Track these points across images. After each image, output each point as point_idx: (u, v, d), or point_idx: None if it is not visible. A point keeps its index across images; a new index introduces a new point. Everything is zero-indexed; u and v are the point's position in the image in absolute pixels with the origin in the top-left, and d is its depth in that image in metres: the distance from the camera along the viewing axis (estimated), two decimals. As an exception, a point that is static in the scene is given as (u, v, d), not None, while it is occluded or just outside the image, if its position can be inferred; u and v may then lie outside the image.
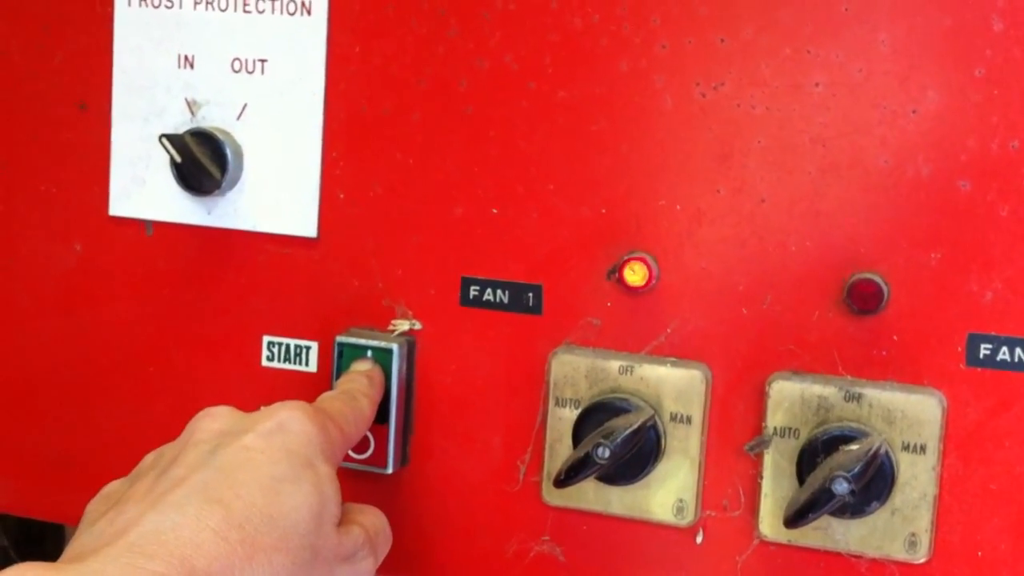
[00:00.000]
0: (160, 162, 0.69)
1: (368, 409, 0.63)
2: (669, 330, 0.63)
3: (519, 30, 0.63)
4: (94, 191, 0.72)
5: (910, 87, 0.58)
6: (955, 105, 0.58)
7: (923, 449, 0.59)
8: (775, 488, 0.61)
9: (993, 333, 0.58)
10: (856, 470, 0.56)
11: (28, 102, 0.72)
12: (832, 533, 0.60)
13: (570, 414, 0.64)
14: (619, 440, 0.59)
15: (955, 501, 0.60)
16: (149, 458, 0.57)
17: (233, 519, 0.50)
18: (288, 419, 0.56)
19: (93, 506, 0.56)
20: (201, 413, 0.57)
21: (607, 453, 0.59)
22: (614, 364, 0.63)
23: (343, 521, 0.57)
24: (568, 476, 0.60)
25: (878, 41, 0.58)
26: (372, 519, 0.60)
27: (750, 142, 0.60)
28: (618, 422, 0.61)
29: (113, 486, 0.57)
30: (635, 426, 0.60)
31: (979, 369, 0.59)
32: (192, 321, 0.70)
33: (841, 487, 0.56)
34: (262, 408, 0.58)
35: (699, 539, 0.63)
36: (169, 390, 0.71)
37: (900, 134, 0.58)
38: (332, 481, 0.56)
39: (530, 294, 0.65)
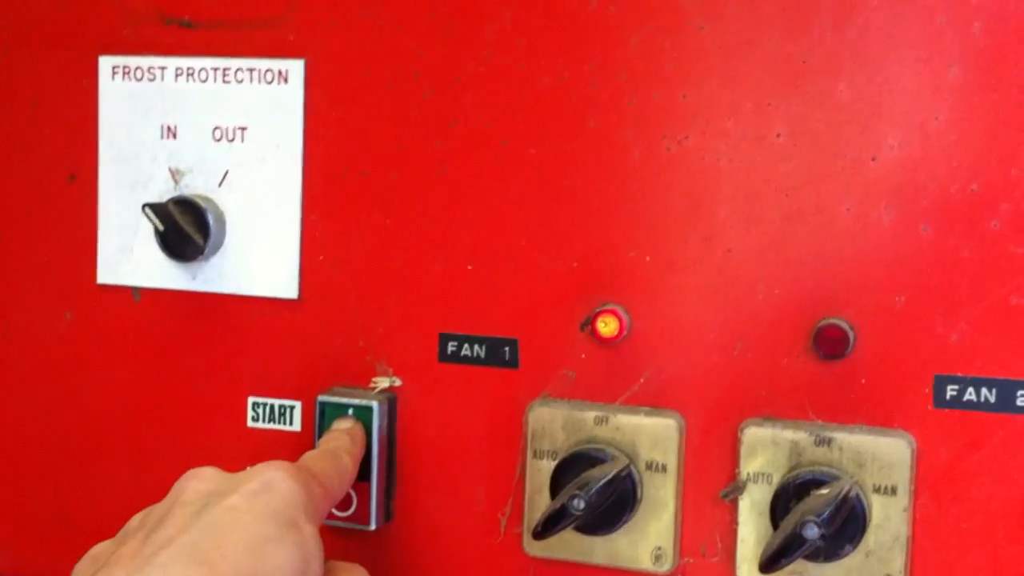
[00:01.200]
0: (146, 230, 0.70)
1: (351, 466, 0.64)
2: (643, 379, 0.64)
3: (490, 90, 0.65)
4: (83, 260, 0.73)
5: (870, 135, 0.60)
6: (914, 151, 0.59)
7: (894, 491, 0.60)
8: (751, 533, 0.62)
9: (959, 374, 0.59)
10: (826, 514, 0.56)
11: (20, 175, 0.74)
12: (809, 577, 0.61)
13: (548, 465, 0.64)
14: (594, 490, 0.60)
15: (929, 542, 0.60)
16: (136, 519, 0.58)
17: None
18: (272, 479, 0.57)
19: (80, 567, 0.57)
20: (187, 474, 0.58)
21: (582, 504, 0.60)
22: (590, 415, 0.64)
23: None
24: (545, 528, 0.61)
25: (837, 91, 0.60)
26: (351, 574, 0.60)
27: (716, 193, 0.62)
28: (593, 473, 0.62)
29: (100, 547, 0.58)
30: (609, 476, 0.61)
31: (947, 410, 0.59)
32: (180, 384, 0.72)
33: (811, 532, 0.56)
34: (247, 468, 0.59)
35: (679, 587, 0.64)
36: (160, 452, 0.72)
37: (862, 181, 0.60)
38: (315, 540, 0.56)
39: (506, 348, 0.66)
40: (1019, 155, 0.58)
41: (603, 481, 0.61)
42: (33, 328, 0.74)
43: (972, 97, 0.58)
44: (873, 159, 0.60)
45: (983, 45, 0.58)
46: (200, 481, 0.57)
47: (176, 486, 0.58)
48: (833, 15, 0.60)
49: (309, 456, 0.63)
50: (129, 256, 0.72)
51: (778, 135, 0.61)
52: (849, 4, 0.59)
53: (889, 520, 0.60)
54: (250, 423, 0.71)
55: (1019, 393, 0.58)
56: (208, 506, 0.55)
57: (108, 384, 0.73)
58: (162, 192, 0.71)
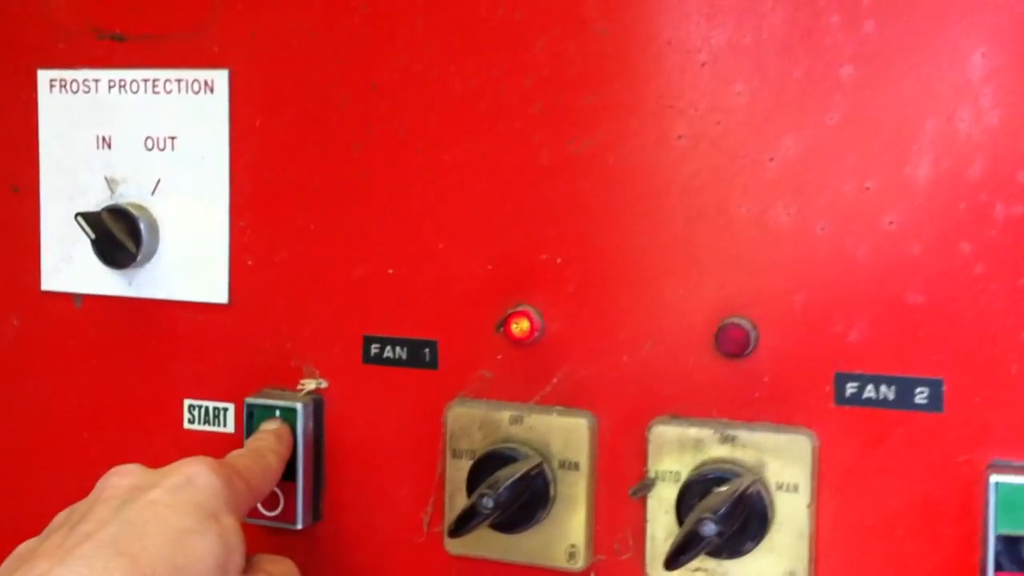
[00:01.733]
0: (85, 238, 0.72)
1: (275, 464, 0.65)
2: (555, 380, 0.65)
3: (404, 97, 0.66)
4: (28, 267, 0.76)
5: (767, 136, 0.60)
6: (810, 151, 0.59)
7: (796, 488, 0.60)
8: (660, 531, 0.63)
9: (859, 372, 0.59)
10: (722, 511, 0.57)
11: (-34, 186, 0.77)
12: (713, 573, 0.62)
13: (467, 465, 0.66)
14: (502, 489, 0.61)
15: (833, 539, 0.61)
16: (61, 516, 0.60)
17: (139, 570, 0.53)
18: (194, 474, 0.59)
19: (6, 565, 0.58)
20: (111, 471, 0.60)
21: (491, 503, 0.61)
22: (505, 414, 0.65)
23: (251, 570, 0.60)
24: (458, 527, 0.62)
25: (734, 93, 0.60)
26: (281, 568, 0.62)
27: (622, 194, 0.63)
28: (504, 472, 0.63)
29: (26, 545, 0.60)
30: (518, 475, 0.62)
31: (848, 407, 0.60)
32: (119, 387, 0.74)
33: (708, 529, 0.57)
34: (170, 464, 0.60)
35: (593, 583, 0.65)
36: (100, 454, 0.74)
37: (759, 182, 0.60)
38: (237, 532, 0.58)
39: (426, 350, 0.67)
40: (912, 153, 0.58)
41: (512, 480, 0.62)
42: (-17, 334, 0.77)
43: (865, 96, 0.58)
44: (771, 160, 0.60)
45: (876, 44, 0.58)
46: (123, 477, 0.59)
47: (99, 483, 0.60)
48: (729, 18, 0.60)
49: (234, 454, 0.65)
50: (69, 264, 0.74)
51: (679, 136, 0.62)
52: (743, 6, 0.60)
53: (793, 517, 0.61)
54: (186, 425, 0.73)
55: (917, 390, 0.59)
56: (130, 501, 0.57)
57: (51, 388, 0.75)
58: (99, 201, 0.73)
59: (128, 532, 0.54)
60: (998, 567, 0.56)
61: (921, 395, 0.59)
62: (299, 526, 0.68)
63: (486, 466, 0.64)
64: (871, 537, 0.60)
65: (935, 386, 0.58)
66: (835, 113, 0.59)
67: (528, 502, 0.64)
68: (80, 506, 0.59)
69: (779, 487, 0.61)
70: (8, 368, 0.76)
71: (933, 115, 0.57)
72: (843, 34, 0.58)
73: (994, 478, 0.56)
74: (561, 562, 0.65)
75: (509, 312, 0.64)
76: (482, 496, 0.61)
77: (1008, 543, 0.56)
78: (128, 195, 0.72)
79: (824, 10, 0.59)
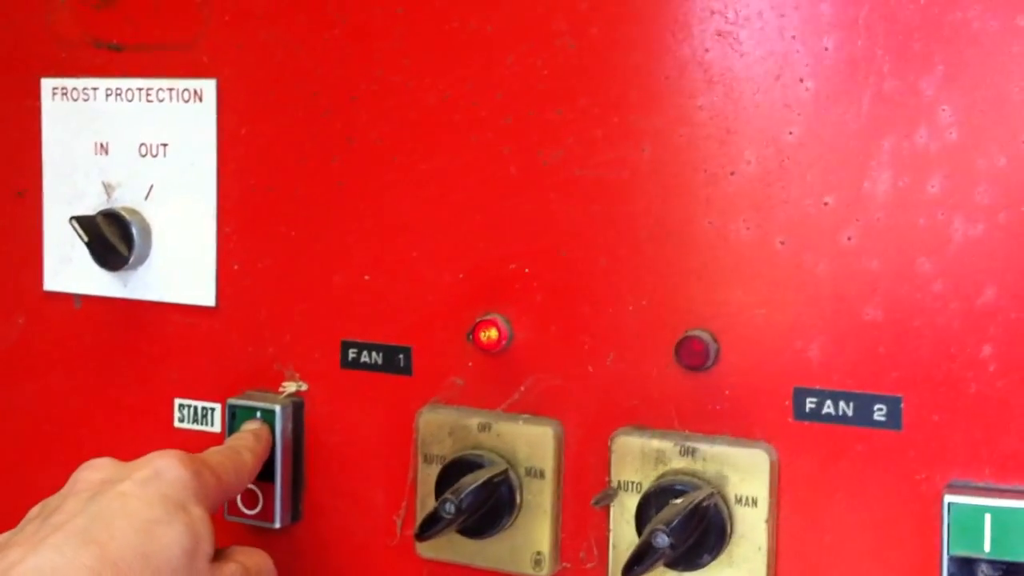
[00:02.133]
0: (84, 240, 0.75)
1: (250, 461, 0.67)
2: (523, 388, 0.66)
3: (382, 108, 0.67)
4: (33, 269, 0.78)
5: (728, 150, 0.60)
6: (770, 166, 0.59)
7: (755, 502, 0.60)
8: (621, 541, 0.63)
9: (818, 387, 0.59)
10: (675, 523, 0.58)
11: (-25, 189, 0.80)
12: (673, 585, 0.62)
13: (436, 470, 0.67)
14: (464, 494, 0.62)
15: (792, 554, 0.60)
16: (35, 509, 0.62)
17: (108, 558, 0.55)
18: (163, 467, 0.61)
19: None
20: (83, 465, 0.62)
21: (453, 508, 0.62)
22: (474, 421, 0.66)
23: (224, 560, 0.62)
24: (422, 531, 0.63)
25: (695, 106, 0.61)
26: (254, 559, 0.64)
27: (588, 206, 0.63)
28: (468, 478, 0.64)
29: (2, 537, 0.62)
30: (480, 481, 0.63)
31: (807, 423, 0.60)
32: (114, 387, 0.76)
33: (660, 540, 0.57)
34: (141, 457, 0.62)
35: (558, 590, 0.65)
36: (96, 450, 0.75)
37: (722, 195, 0.60)
38: (205, 522, 0.60)
39: (401, 356, 0.68)
40: (871, 169, 0.58)
41: (474, 486, 0.63)
42: (-8, 333, 0.80)
43: (824, 111, 0.58)
44: (732, 174, 0.60)
45: (834, 60, 0.58)
46: (94, 471, 0.61)
47: (72, 476, 0.62)
48: (688, 33, 0.60)
49: (210, 451, 0.66)
50: (69, 265, 0.77)
51: (643, 150, 0.62)
52: (699, 23, 0.60)
53: (751, 531, 0.61)
54: (176, 423, 0.75)
55: (876, 407, 0.58)
56: (100, 493, 0.59)
57: (52, 385, 0.78)
58: (96, 205, 0.75)
59: (98, 522, 0.57)
60: (951, 588, 0.56)
61: (880, 412, 0.58)
62: (277, 525, 0.70)
63: (453, 472, 0.65)
64: (830, 554, 0.60)
65: (894, 403, 0.58)
66: (794, 128, 0.59)
67: (493, 508, 0.64)
68: (53, 500, 0.61)
69: (738, 501, 0.61)
70: (14, 365, 0.79)
71: (892, 131, 0.57)
72: (803, 50, 0.58)
73: (948, 498, 0.56)
74: (527, 569, 0.65)
75: (478, 320, 0.65)
76: (445, 501, 0.62)
77: (962, 564, 0.56)
78: (123, 200, 0.74)
79: (783, 26, 0.58)
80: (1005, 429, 0.56)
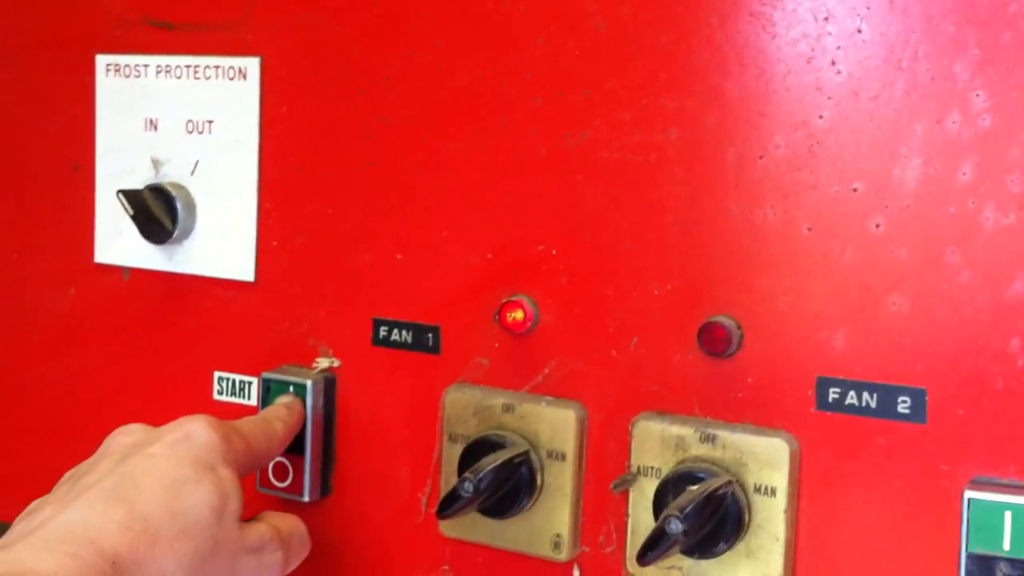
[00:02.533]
0: (134, 214, 0.77)
1: (282, 431, 0.68)
2: (547, 370, 0.65)
3: (414, 88, 0.68)
4: (84, 241, 0.80)
5: (757, 134, 0.59)
6: (799, 150, 0.58)
7: (774, 492, 0.59)
8: (639, 526, 0.63)
9: (841, 377, 0.58)
10: (688, 509, 0.57)
11: (34, 165, 0.82)
12: (688, 572, 0.61)
13: (460, 450, 0.67)
14: (483, 474, 0.62)
15: (811, 546, 0.59)
16: (68, 473, 0.65)
17: (136, 513, 0.57)
18: (193, 430, 0.62)
19: (18, 519, 0.63)
20: (116, 430, 0.64)
21: (471, 488, 0.62)
22: (498, 402, 0.66)
23: (256, 520, 0.63)
24: (441, 509, 0.63)
25: (726, 89, 0.60)
26: (286, 522, 0.65)
27: (615, 189, 0.63)
28: (488, 458, 0.64)
29: (36, 502, 0.64)
30: (499, 461, 0.63)
31: (829, 413, 0.58)
32: (158, 358, 0.78)
33: (673, 526, 0.57)
34: (172, 422, 0.64)
35: (576, 574, 0.65)
36: (139, 419, 0.78)
37: (749, 180, 0.59)
38: (233, 482, 0.61)
39: (429, 335, 0.69)
40: (901, 156, 0.56)
41: (493, 466, 0.63)
42: (44, 302, 0.82)
43: (856, 97, 0.57)
44: (760, 158, 0.59)
45: (867, 43, 0.56)
46: (125, 435, 0.63)
47: (105, 441, 0.64)
48: (720, 15, 0.59)
49: (242, 420, 0.68)
50: (119, 238, 0.79)
51: (671, 132, 0.61)
52: (732, 4, 0.59)
53: (769, 521, 0.60)
54: (215, 396, 0.76)
55: (900, 399, 0.57)
56: (130, 456, 0.61)
57: (100, 355, 0.80)
58: (145, 180, 0.77)
59: (127, 481, 0.58)
60: (969, 587, 0.54)
61: (904, 404, 0.57)
62: (306, 498, 0.71)
63: (475, 452, 0.65)
64: (849, 547, 0.59)
65: (918, 396, 0.57)
66: (825, 112, 0.58)
67: (513, 489, 0.64)
68: (85, 464, 0.63)
69: (757, 490, 0.60)
70: (66, 334, 0.81)
71: (924, 116, 0.55)
72: (835, 32, 0.57)
73: (968, 494, 0.54)
74: (546, 551, 0.65)
75: (504, 301, 0.65)
76: (464, 480, 0.63)
77: (980, 562, 0.54)
78: (171, 175, 0.76)
79: (816, 8, 0.57)
80: (1032, 426, 0.54)
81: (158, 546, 0.56)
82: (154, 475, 0.59)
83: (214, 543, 0.59)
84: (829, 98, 0.57)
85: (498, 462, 0.63)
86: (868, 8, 0.56)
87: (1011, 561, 0.54)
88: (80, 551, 0.53)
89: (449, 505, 0.63)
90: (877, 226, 0.57)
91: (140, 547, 0.55)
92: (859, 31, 0.57)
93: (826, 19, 0.57)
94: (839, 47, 0.57)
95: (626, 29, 0.62)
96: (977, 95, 0.55)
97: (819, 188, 0.58)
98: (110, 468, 0.60)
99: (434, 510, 0.68)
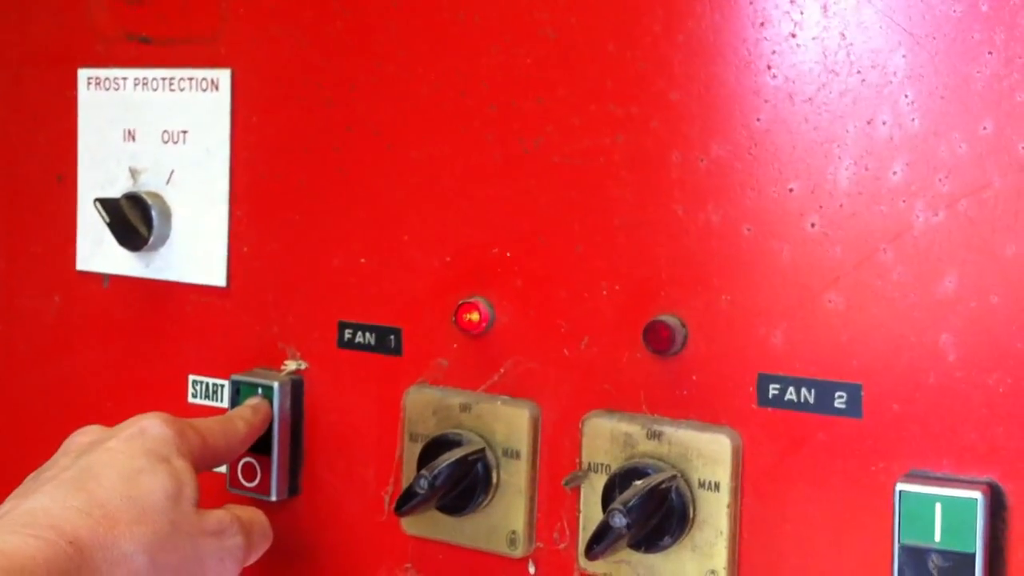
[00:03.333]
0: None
1: (243, 430, 0.70)
2: (503, 370, 0.67)
3: (378, 98, 0.70)
4: (68, 250, 0.83)
5: (698, 136, 0.61)
6: (738, 152, 0.60)
7: (717, 487, 0.61)
8: (590, 521, 0.64)
9: (781, 374, 0.59)
10: (631, 503, 0.58)
11: (19, 176, 0.85)
12: (636, 567, 0.63)
13: (420, 448, 0.69)
14: (438, 471, 0.64)
15: (755, 540, 0.61)
16: (31, 475, 0.67)
17: (95, 500, 0.59)
18: (147, 426, 0.65)
19: None
20: (74, 432, 0.66)
21: (426, 484, 0.64)
22: (456, 401, 0.68)
23: (219, 509, 0.65)
24: (399, 506, 0.65)
25: (669, 94, 0.61)
26: (247, 512, 0.67)
27: (566, 192, 0.64)
28: (443, 456, 0.65)
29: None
30: (454, 459, 0.65)
31: (770, 409, 0.60)
32: (136, 363, 0.80)
33: (617, 520, 0.58)
34: (127, 419, 0.66)
35: (532, 570, 0.66)
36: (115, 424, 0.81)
37: (692, 181, 0.61)
38: (188, 471, 0.64)
39: (392, 337, 0.71)
40: (834, 156, 0.58)
41: (448, 463, 0.64)
42: (30, 309, 0.85)
43: (791, 99, 0.58)
44: (701, 161, 0.61)
45: (801, 48, 0.58)
46: (84, 435, 0.66)
47: (64, 442, 0.66)
48: (663, 23, 0.61)
49: (203, 418, 0.70)
50: (100, 247, 0.81)
51: (618, 137, 0.63)
52: (677, 12, 0.61)
53: (713, 516, 0.61)
54: (190, 399, 0.78)
55: (837, 394, 0.58)
56: (88, 451, 0.63)
57: (82, 361, 0.82)
58: (125, 189, 0.79)
59: (85, 473, 0.61)
60: (902, 578, 0.55)
61: (840, 400, 0.58)
62: (273, 498, 0.73)
63: (433, 450, 0.67)
64: (789, 543, 0.60)
65: (854, 391, 0.58)
66: (761, 115, 0.59)
67: (469, 486, 0.66)
68: (46, 463, 0.65)
69: (701, 485, 0.61)
70: (50, 340, 0.84)
71: (855, 118, 0.57)
72: (770, 38, 0.59)
73: (900, 487, 0.55)
74: (503, 547, 0.67)
75: (460, 303, 0.67)
76: (419, 477, 0.64)
77: (913, 553, 0.55)
78: (147, 184, 0.79)
79: (752, 15, 0.59)
80: (963, 419, 0.56)
81: (117, 529, 0.58)
82: (111, 466, 0.61)
83: (171, 527, 0.61)
84: (766, 101, 0.59)
85: (453, 459, 0.65)
86: (802, 13, 0.58)
87: (942, 552, 0.55)
88: (42, 533, 0.55)
89: (406, 502, 0.65)
90: (813, 225, 0.58)
91: (100, 530, 0.57)
92: (793, 36, 0.58)
93: (762, 24, 0.59)
94: (774, 51, 0.59)
95: (575, 38, 0.64)
96: (906, 96, 0.56)
97: (757, 189, 0.60)
98: (69, 463, 0.62)
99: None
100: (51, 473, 0.62)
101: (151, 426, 0.64)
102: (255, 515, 0.67)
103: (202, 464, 0.66)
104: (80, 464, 0.62)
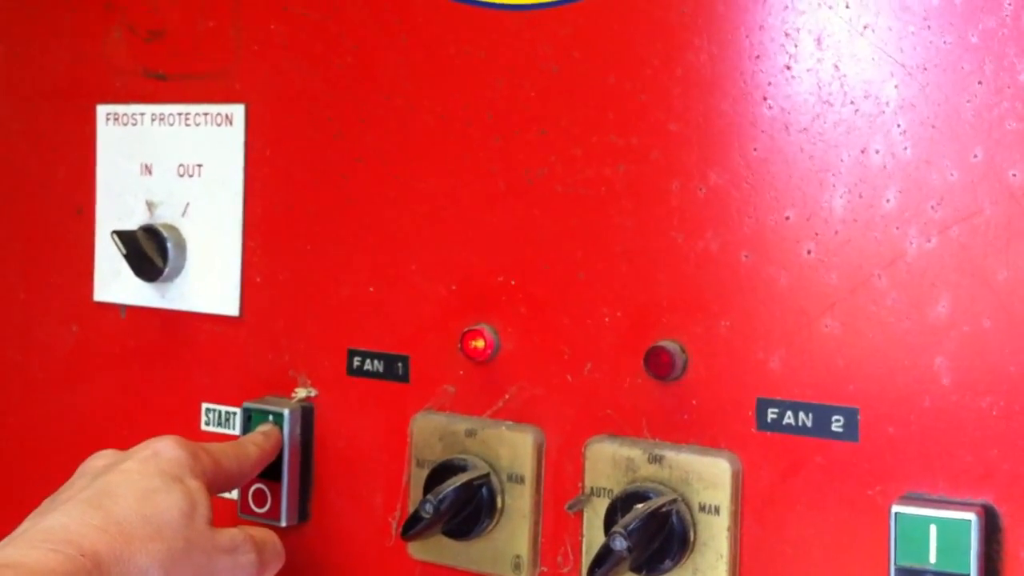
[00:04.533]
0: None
1: (255, 454, 0.71)
2: (507, 396, 0.68)
3: (386, 130, 0.72)
4: (86, 281, 0.85)
5: (698, 166, 0.62)
6: (736, 181, 0.61)
7: (717, 510, 0.62)
8: (592, 545, 0.65)
9: (779, 398, 0.60)
10: (632, 526, 0.59)
11: (40, 210, 0.87)
12: (638, 590, 0.63)
13: (427, 474, 0.70)
14: (443, 496, 0.65)
15: (755, 563, 0.61)
16: (49, 497, 0.68)
17: (112, 518, 0.60)
18: (161, 448, 0.66)
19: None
20: (90, 456, 0.68)
21: (431, 508, 0.65)
22: (462, 427, 0.69)
23: (232, 528, 0.66)
24: (405, 531, 0.66)
25: (668, 124, 0.63)
26: (260, 531, 0.68)
27: (569, 221, 0.66)
28: (448, 481, 0.66)
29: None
30: (458, 483, 0.66)
31: (768, 433, 0.61)
32: (151, 391, 0.82)
33: (618, 543, 0.59)
34: (142, 442, 0.68)
35: (536, 594, 0.67)
36: (133, 450, 0.82)
37: (691, 210, 0.63)
38: (201, 491, 0.65)
39: (399, 364, 0.72)
40: (829, 185, 0.59)
41: (453, 487, 0.66)
42: (49, 338, 0.86)
43: (786, 130, 0.60)
44: (700, 190, 0.62)
45: (796, 80, 0.60)
46: (99, 459, 0.67)
47: (80, 466, 0.67)
48: (663, 56, 0.63)
49: (217, 443, 0.71)
50: (118, 278, 0.83)
51: (619, 167, 0.64)
52: (676, 45, 0.62)
53: (713, 539, 0.62)
54: (203, 427, 0.80)
55: (834, 418, 0.59)
56: (103, 473, 0.65)
57: (99, 390, 0.84)
58: (140, 222, 0.81)
59: (101, 493, 0.63)
60: (899, 599, 0.56)
61: (837, 423, 0.59)
62: (283, 523, 0.74)
63: (439, 475, 0.68)
64: (790, 563, 0.60)
65: (850, 415, 0.59)
66: (758, 144, 0.61)
67: (474, 511, 0.67)
68: (63, 486, 0.66)
69: (702, 508, 0.62)
70: (68, 369, 0.86)
71: (849, 147, 0.58)
72: (766, 70, 0.60)
73: (895, 508, 0.56)
74: (507, 572, 0.68)
75: (466, 330, 0.68)
76: (425, 502, 0.65)
77: (908, 575, 0.56)
78: (163, 216, 0.81)
79: (749, 49, 0.61)
80: (958, 442, 0.56)
81: (133, 545, 0.59)
82: (126, 486, 0.63)
83: (186, 543, 0.62)
84: (762, 131, 0.60)
85: (458, 484, 0.66)
86: (796, 46, 0.59)
87: (937, 574, 0.55)
88: (61, 548, 0.57)
89: (412, 527, 0.66)
90: (809, 252, 0.60)
91: (117, 546, 0.59)
92: (788, 68, 0.60)
93: (758, 57, 0.60)
94: (770, 83, 0.60)
95: (577, 71, 0.66)
96: (898, 126, 0.57)
97: (755, 217, 0.61)
98: (85, 484, 0.64)
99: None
100: (68, 494, 0.63)
101: (165, 448, 0.66)
102: (267, 535, 0.68)
103: (214, 486, 0.67)
104: (96, 485, 0.63)
